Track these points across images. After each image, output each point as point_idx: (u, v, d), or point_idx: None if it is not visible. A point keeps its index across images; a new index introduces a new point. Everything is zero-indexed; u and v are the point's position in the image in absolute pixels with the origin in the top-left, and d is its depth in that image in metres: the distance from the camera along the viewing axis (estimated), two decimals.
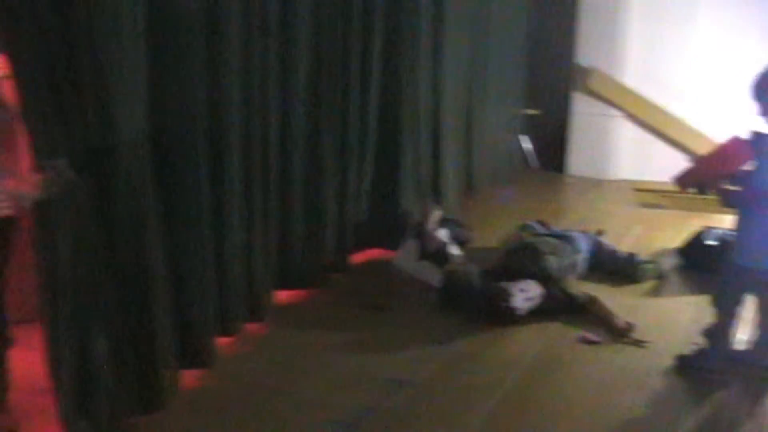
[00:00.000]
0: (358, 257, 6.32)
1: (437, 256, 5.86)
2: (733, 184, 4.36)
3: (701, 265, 6.10)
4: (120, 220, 3.69)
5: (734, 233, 4.46)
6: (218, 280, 4.58)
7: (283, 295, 5.48)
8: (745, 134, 4.34)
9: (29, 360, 4.07)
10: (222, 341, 4.75)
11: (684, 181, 4.53)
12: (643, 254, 6.32)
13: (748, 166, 4.28)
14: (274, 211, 5.16)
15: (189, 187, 4.20)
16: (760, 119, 4.24)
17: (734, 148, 4.35)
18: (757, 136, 4.27)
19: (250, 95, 4.69)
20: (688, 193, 4.66)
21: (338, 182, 5.74)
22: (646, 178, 8.62)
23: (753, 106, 4.23)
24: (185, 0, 4.01)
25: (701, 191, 4.49)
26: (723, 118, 4.34)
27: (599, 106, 9.34)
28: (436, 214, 6.30)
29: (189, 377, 4.36)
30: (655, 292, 5.92)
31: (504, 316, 5.21)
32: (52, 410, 3.67)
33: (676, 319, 5.36)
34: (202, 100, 4.22)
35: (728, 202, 4.41)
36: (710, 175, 4.41)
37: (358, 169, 6.04)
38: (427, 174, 6.88)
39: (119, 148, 3.63)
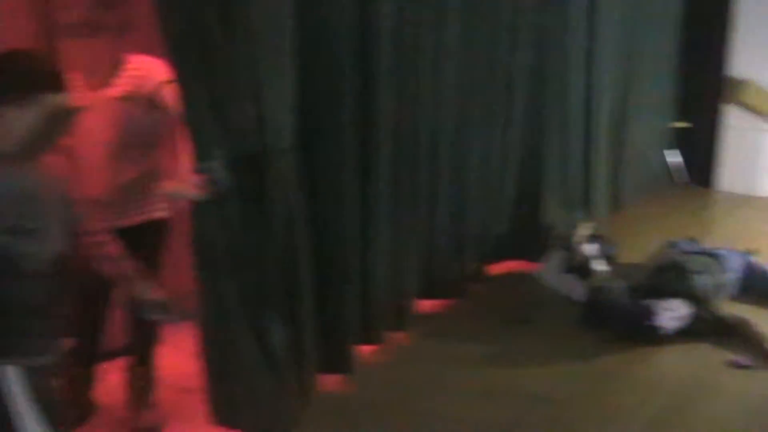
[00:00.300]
0: (497, 268, 6.27)
1: (582, 270, 5.77)
2: None
3: None
4: (269, 224, 3.77)
5: None
6: (362, 287, 4.62)
7: (425, 305, 5.48)
8: None
9: (176, 359, 4.20)
10: (364, 349, 4.78)
11: None
12: None
13: None
14: (419, 219, 5.17)
15: (336, 194, 4.26)
16: None
17: None
18: None
19: (398, 107, 4.72)
20: None
21: (481, 192, 5.70)
22: None
23: None
24: (335, 11, 4.07)
25: None
26: None
27: (753, 120, 9.04)
28: (585, 228, 6.19)
29: (329, 382, 4.41)
30: None
31: (648, 335, 5.09)
32: (197, 409, 3.76)
33: None
34: (351, 109, 4.27)
35: None
36: None
37: (501, 180, 5.99)
38: (575, 187, 6.78)
39: (271, 153, 3.73)
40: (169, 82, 3.50)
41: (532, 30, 5.91)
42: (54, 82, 2.54)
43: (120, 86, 3.56)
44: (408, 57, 4.75)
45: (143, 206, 3.72)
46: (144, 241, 3.55)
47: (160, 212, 3.82)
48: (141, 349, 4.00)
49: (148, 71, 3.59)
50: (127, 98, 3.55)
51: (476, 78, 5.45)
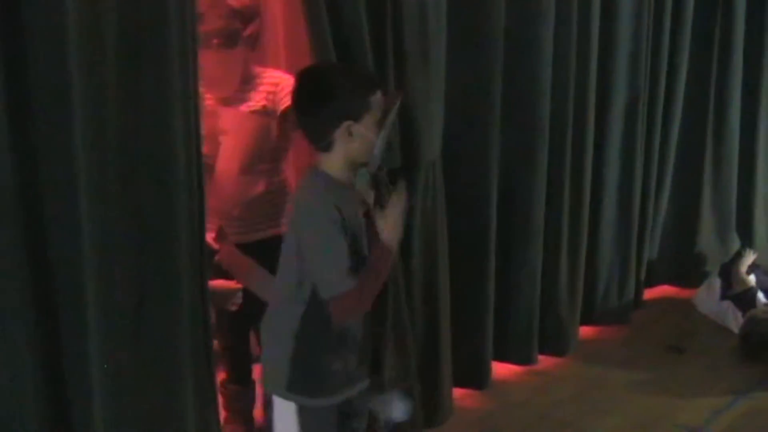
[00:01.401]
0: (651, 293, 6.12)
1: (741, 300, 5.58)
2: None
3: None
4: (415, 236, 3.81)
5: None
6: (505, 307, 4.64)
7: (586, 330, 5.42)
8: None
9: None
10: (514, 368, 4.80)
11: None
12: None
13: None
14: (578, 241, 5.13)
15: (480, 212, 4.33)
16: None
17: None
18: None
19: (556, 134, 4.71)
20: None
21: (639, 217, 5.60)
22: None
23: None
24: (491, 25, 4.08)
25: None
26: None
27: None
28: (746, 257, 5.99)
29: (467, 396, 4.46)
30: None
31: None
32: None
33: None
34: (496, 124, 4.31)
35: None
36: None
37: (656, 203, 5.87)
38: (735, 213, 6.57)
39: (419, 167, 3.82)
40: None
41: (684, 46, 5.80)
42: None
43: (254, 100, 3.54)
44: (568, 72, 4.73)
45: (271, 221, 3.67)
46: (272, 256, 3.57)
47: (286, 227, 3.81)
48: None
49: (283, 86, 3.52)
50: (261, 113, 3.53)
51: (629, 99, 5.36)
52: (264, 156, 3.59)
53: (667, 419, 4.39)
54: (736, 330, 5.40)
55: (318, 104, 2.62)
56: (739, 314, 5.46)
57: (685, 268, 6.21)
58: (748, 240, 6.47)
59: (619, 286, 5.55)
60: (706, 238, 6.30)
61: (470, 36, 4.10)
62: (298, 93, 2.68)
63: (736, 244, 6.36)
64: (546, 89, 4.53)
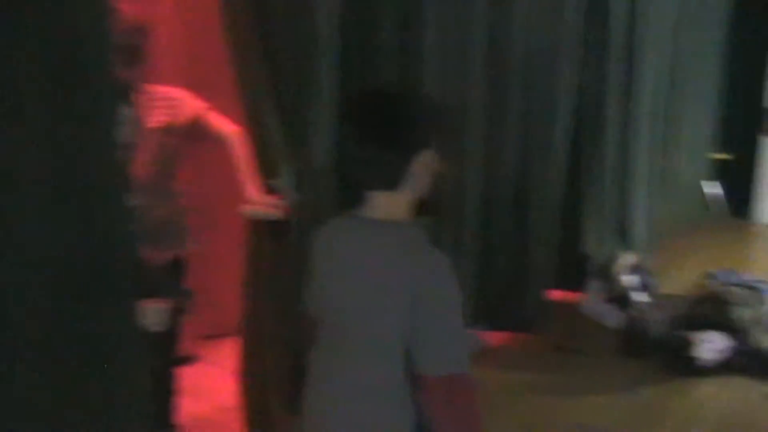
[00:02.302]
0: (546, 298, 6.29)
1: (622, 300, 5.82)
2: None
3: None
4: None
5: None
6: None
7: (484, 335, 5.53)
8: None
9: (217, 375, 4.29)
10: None
11: None
12: None
13: None
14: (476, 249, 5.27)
15: None
16: None
17: None
18: None
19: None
20: None
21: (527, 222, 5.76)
22: None
23: None
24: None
25: None
26: None
27: None
28: (628, 259, 6.25)
29: None
30: None
31: (686, 367, 5.13)
32: (235, 427, 3.84)
33: None
34: None
35: None
36: None
37: (541, 208, 6.02)
38: (615, 217, 6.82)
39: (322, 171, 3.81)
40: (209, 109, 3.56)
41: (571, 61, 5.94)
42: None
43: (155, 117, 3.46)
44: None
45: (175, 241, 3.65)
46: (171, 277, 3.56)
47: (185, 248, 3.75)
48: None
49: (180, 101, 3.51)
50: (163, 130, 3.47)
51: (520, 109, 5.51)
52: (167, 173, 3.57)
53: (557, 419, 4.55)
54: (618, 329, 5.61)
55: (398, 131, 2.16)
56: (620, 314, 5.69)
57: (570, 272, 6.39)
58: (626, 243, 6.74)
59: (515, 292, 5.72)
60: (588, 243, 6.52)
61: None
62: (368, 118, 2.19)
63: (615, 247, 6.60)
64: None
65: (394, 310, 2.10)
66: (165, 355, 3.67)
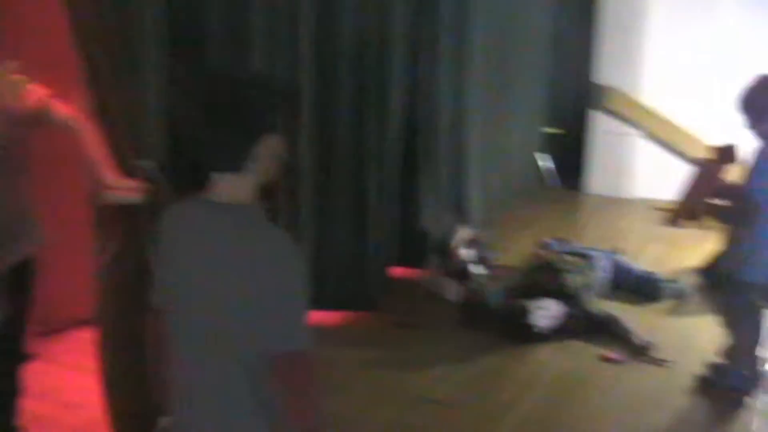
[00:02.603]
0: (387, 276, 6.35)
1: (460, 274, 5.92)
2: (724, 200, 4.48)
3: (721, 284, 6.13)
4: None
5: (737, 249, 4.50)
6: None
7: (320, 314, 5.49)
8: (710, 151, 4.57)
9: (57, 373, 4.16)
10: None
11: (675, 217, 4.65)
12: (663, 273, 6.36)
13: (733, 181, 4.41)
14: (315, 235, 5.27)
15: None
16: (748, 131, 4.35)
17: (705, 169, 4.50)
18: (726, 149, 4.41)
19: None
20: (684, 226, 4.75)
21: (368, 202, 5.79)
22: (666, 196, 8.61)
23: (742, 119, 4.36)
24: None
25: (695, 219, 4.59)
26: (743, 137, 4.44)
27: (618, 125, 9.39)
28: (464, 233, 6.36)
29: None
30: (675, 311, 5.96)
31: (523, 334, 5.27)
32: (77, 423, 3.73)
33: (697, 338, 5.39)
34: None
35: (724, 218, 4.50)
36: (696, 201, 4.51)
37: (379, 188, 6.06)
38: (450, 192, 6.92)
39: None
40: (52, 96, 3.40)
41: (403, 39, 6.00)
42: None
43: None
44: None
45: (25, 242, 3.47)
46: (25, 282, 3.41)
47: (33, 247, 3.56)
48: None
49: (23, 88, 3.33)
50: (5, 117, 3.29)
51: (347, 85, 5.52)
52: (18, 167, 3.39)
53: (399, 392, 4.62)
54: (457, 302, 5.72)
55: (245, 114, 2.15)
56: (459, 287, 5.79)
57: (413, 248, 6.48)
58: (463, 217, 6.86)
59: (355, 271, 5.74)
60: (426, 219, 6.60)
61: None
62: (215, 101, 2.15)
63: (452, 222, 6.71)
64: None
65: (238, 293, 2.09)
66: (6, 356, 3.54)
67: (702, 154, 4.97)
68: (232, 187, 2.17)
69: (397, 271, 6.41)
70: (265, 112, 2.16)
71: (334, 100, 5.37)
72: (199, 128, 2.15)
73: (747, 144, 4.36)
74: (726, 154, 4.50)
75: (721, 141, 4.60)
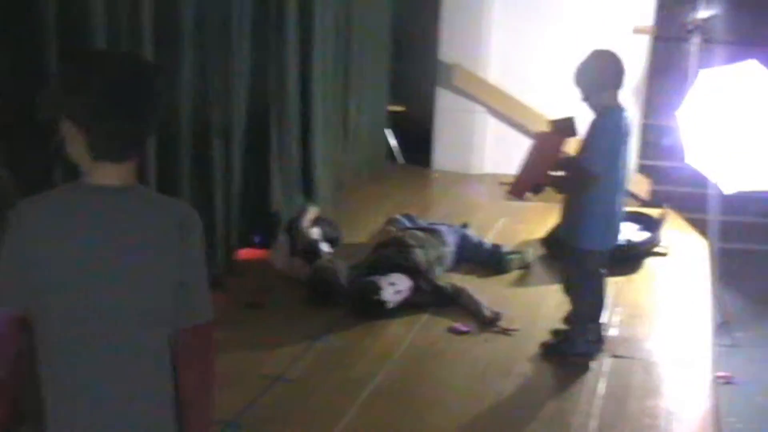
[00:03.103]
0: (234, 257, 6.28)
1: (308, 253, 5.90)
2: (562, 171, 4.63)
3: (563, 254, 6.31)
4: None
5: (573, 219, 4.65)
6: None
7: None
8: (549, 125, 4.76)
9: None
10: None
11: (518, 190, 4.77)
12: (508, 245, 6.50)
13: (568, 153, 4.57)
14: None
15: None
16: (582, 104, 4.52)
17: (545, 142, 4.65)
18: (565, 122, 4.57)
19: None
20: (527, 199, 4.86)
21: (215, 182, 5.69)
22: (510, 171, 8.76)
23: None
24: None
25: (537, 191, 4.71)
26: (584, 111, 4.60)
27: (463, 102, 9.50)
28: (311, 212, 6.35)
29: None
30: (521, 282, 6.11)
31: (374, 310, 5.29)
32: None
33: (542, 307, 5.54)
34: None
35: (563, 189, 4.65)
36: (537, 174, 4.64)
37: (225, 167, 5.96)
38: (297, 171, 6.89)
39: None
40: None
41: (248, 19, 5.92)
42: None
43: None
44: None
45: None
46: None
47: None
48: None
49: None
50: None
51: (197, 68, 5.40)
52: None
53: (249, 372, 4.57)
54: (305, 281, 5.70)
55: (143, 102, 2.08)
56: (307, 266, 5.77)
57: (261, 229, 6.43)
58: (311, 196, 6.85)
59: (208, 256, 5.58)
60: (276, 200, 6.56)
61: None
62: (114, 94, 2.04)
63: (300, 202, 6.69)
64: None
65: (151, 273, 2.09)
66: None
67: (542, 129, 5.09)
68: (120, 170, 2.09)
69: (246, 253, 6.35)
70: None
71: (175, 78, 5.24)
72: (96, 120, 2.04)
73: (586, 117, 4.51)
74: (564, 127, 4.63)
75: (559, 115, 4.73)
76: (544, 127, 4.97)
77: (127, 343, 2.09)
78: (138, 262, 2.07)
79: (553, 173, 4.63)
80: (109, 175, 2.08)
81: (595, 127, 4.47)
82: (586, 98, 4.51)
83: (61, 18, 3.98)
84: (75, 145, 2.07)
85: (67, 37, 4.00)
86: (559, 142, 4.62)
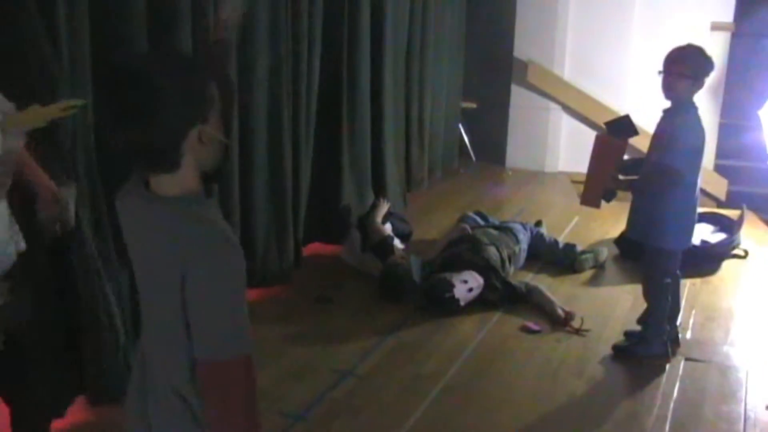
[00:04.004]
0: (305, 251, 6.30)
1: (380, 249, 5.89)
2: (628, 173, 4.54)
3: (638, 254, 6.21)
4: None
5: (651, 219, 4.55)
6: None
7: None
8: (606, 127, 4.68)
9: None
10: None
11: (590, 199, 4.69)
12: (581, 245, 6.43)
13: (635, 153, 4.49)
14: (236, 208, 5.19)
15: None
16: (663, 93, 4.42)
17: (607, 146, 4.55)
18: (621, 122, 4.48)
19: None
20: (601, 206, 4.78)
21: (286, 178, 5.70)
22: (584, 170, 8.68)
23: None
24: None
25: (609, 198, 4.63)
26: (658, 109, 4.51)
27: (537, 99, 9.45)
28: (383, 208, 6.34)
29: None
30: (594, 282, 6.03)
31: (446, 307, 5.27)
32: None
33: (615, 308, 5.47)
34: None
35: (643, 189, 4.55)
36: (605, 179, 4.55)
37: (296, 164, 5.98)
38: (371, 167, 6.89)
39: None
40: None
41: (320, 15, 5.93)
42: None
43: None
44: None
45: None
46: None
47: None
48: None
49: None
50: None
51: (271, 67, 5.42)
52: None
53: (319, 366, 4.59)
54: (377, 277, 5.70)
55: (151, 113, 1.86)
56: (379, 262, 5.77)
57: (331, 224, 6.43)
58: (383, 192, 6.85)
59: (278, 249, 5.65)
60: (347, 195, 6.57)
61: None
62: (116, 103, 1.88)
63: (371, 198, 6.69)
64: None
65: (169, 290, 1.90)
66: None
67: (601, 132, 5.01)
68: (169, 181, 1.95)
69: (317, 247, 6.37)
70: (181, 105, 1.87)
71: (251, 76, 5.27)
72: (117, 132, 1.89)
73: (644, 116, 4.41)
74: (624, 127, 4.55)
75: (613, 116, 4.63)
76: (602, 131, 4.88)
77: (165, 340, 2.03)
78: (157, 278, 1.97)
79: (623, 177, 4.55)
80: (156, 182, 1.99)
81: (678, 122, 4.35)
82: (672, 88, 4.36)
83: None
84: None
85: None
86: (623, 145, 4.54)
